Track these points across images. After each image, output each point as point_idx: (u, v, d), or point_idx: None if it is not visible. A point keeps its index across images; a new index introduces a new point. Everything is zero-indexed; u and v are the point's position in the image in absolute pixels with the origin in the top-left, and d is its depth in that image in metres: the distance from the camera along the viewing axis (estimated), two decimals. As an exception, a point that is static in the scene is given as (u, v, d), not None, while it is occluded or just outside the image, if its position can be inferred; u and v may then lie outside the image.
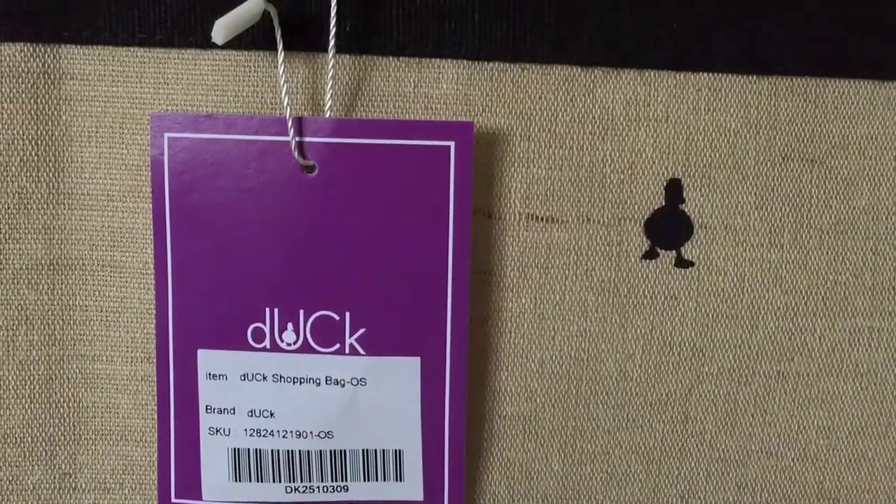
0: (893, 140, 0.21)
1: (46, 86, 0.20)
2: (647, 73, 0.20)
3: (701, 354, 0.21)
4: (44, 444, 0.21)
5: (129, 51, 0.20)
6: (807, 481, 0.22)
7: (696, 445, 0.22)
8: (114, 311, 0.21)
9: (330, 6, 0.19)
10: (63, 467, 0.21)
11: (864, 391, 0.22)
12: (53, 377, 0.21)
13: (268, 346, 0.20)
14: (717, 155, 0.20)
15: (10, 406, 0.21)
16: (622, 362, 0.21)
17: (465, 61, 0.20)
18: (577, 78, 0.20)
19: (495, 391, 0.21)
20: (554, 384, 0.21)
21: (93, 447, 0.21)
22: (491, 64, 0.20)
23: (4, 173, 0.20)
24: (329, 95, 0.19)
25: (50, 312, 0.21)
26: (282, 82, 0.19)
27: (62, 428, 0.21)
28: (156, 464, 0.21)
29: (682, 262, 0.21)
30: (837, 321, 0.21)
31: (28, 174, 0.20)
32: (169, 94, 0.20)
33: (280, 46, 0.19)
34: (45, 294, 0.20)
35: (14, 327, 0.20)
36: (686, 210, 0.21)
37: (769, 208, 0.21)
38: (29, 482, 0.21)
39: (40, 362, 0.21)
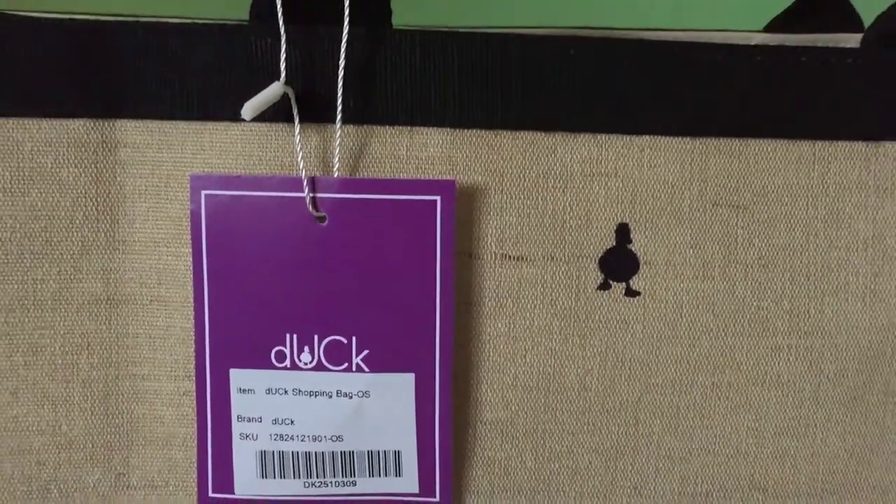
0: (804, 189, 0.24)
1: (104, 153, 0.23)
2: (598, 137, 0.24)
3: (648, 369, 0.25)
4: (102, 449, 0.25)
5: (172, 124, 0.23)
6: (740, 475, 0.26)
7: (646, 445, 0.25)
8: (160, 337, 0.24)
9: (337, 87, 0.23)
10: (118, 468, 0.25)
11: (785, 398, 0.25)
12: (110, 393, 0.24)
13: (288, 366, 0.24)
14: (658, 203, 0.24)
15: (75, 418, 0.24)
16: (582, 376, 0.25)
17: (448, 129, 0.23)
18: (541, 141, 0.24)
19: (477, 401, 0.25)
20: (526, 395, 0.25)
21: (143, 451, 0.25)
22: (469, 131, 0.24)
23: (70, 225, 0.24)
24: (337, 159, 0.23)
25: (107, 339, 0.24)
26: (298, 149, 0.23)
27: (117, 436, 0.25)
28: (195, 465, 0.25)
29: (630, 292, 0.24)
30: (761, 340, 0.25)
31: (90, 225, 0.24)
32: (205, 158, 0.23)
33: (296, 120, 0.23)
34: (103, 324, 0.24)
35: (77, 352, 0.24)
36: (633, 249, 0.24)
37: (702, 246, 0.24)
38: (90, 481, 0.25)
39: (99, 381, 0.24)
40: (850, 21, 0.31)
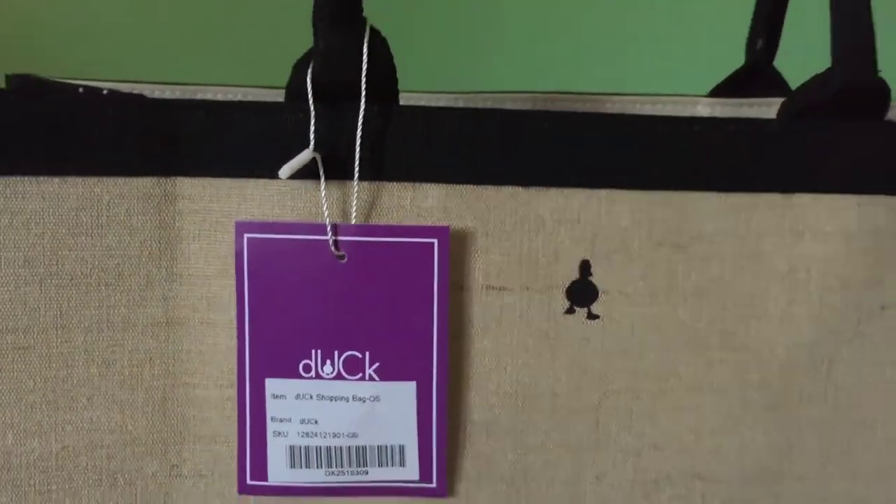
0: (732, 232, 0.29)
1: (166, 204, 0.29)
2: (565, 190, 0.29)
3: (606, 378, 0.30)
4: (160, 445, 0.30)
5: (222, 181, 0.29)
6: (683, 466, 0.31)
7: (605, 441, 0.30)
8: (208, 353, 0.29)
9: (355, 152, 0.28)
10: (172, 461, 0.30)
11: (718, 402, 0.30)
12: (167, 399, 0.30)
13: (313, 376, 0.29)
14: (613, 243, 0.29)
15: (138, 419, 0.29)
16: (552, 384, 0.30)
17: (443, 185, 0.29)
18: (519, 194, 0.29)
19: (467, 405, 0.30)
20: (507, 400, 0.30)
21: (193, 447, 0.30)
22: (461, 186, 0.29)
23: (137, 262, 0.29)
24: (354, 209, 0.29)
25: (165, 355, 0.29)
26: (323, 201, 0.28)
27: (172, 434, 0.30)
28: (236, 457, 0.30)
29: (591, 316, 0.30)
30: (699, 355, 0.30)
31: (153, 262, 0.29)
32: (247, 208, 0.29)
33: (322, 178, 0.28)
34: (163, 343, 0.29)
35: (141, 365, 0.29)
36: (593, 281, 0.30)
37: (649, 279, 0.30)
38: (149, 471, 0.30)
39: (158, 389, 0.29)
40: (779, 88, 0.37)
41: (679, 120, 0.29)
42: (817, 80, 0.30)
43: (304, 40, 0.30)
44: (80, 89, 0.31)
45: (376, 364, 0.29)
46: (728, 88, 0.39)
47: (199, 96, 0.35)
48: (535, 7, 0.80)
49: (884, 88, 0.29)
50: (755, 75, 0.38)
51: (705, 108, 0.37)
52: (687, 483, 0.31)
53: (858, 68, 0.29)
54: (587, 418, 0.30)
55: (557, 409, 0.30)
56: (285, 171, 0.27)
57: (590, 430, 0.30)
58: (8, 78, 0.34)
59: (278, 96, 0.30)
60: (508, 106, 0.38)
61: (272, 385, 0.29)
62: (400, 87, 0.30)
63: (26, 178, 0.28)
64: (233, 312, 0.29)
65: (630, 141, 0.29)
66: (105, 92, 0.30)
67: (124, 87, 0.35)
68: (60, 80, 0.33)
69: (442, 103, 0.38)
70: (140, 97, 0.29)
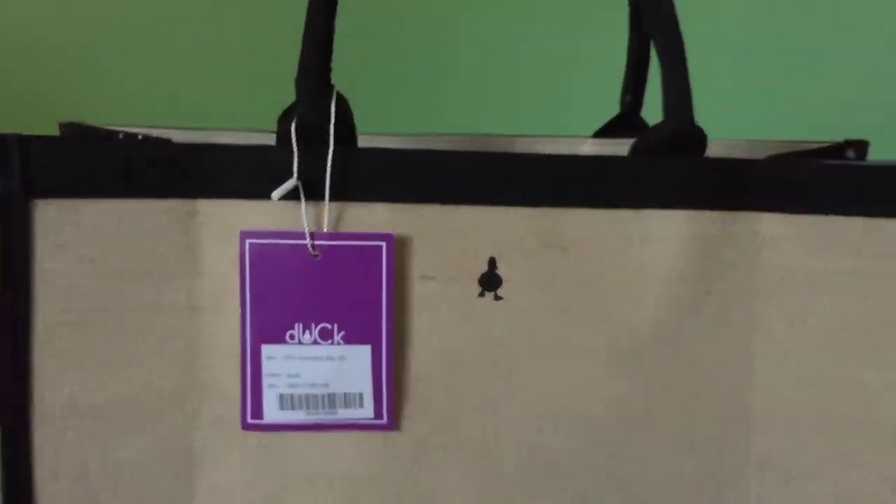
0: (601, 238, 0.40)
1: (189, 218, 0.39)
2: (479, 207, 0.40)
3: (506, 341, 0.40)
4: (183, 399, 0.40)
5: (230, 201, 0.39)
6: (568, 410, 0.41)
7: (509, 389, 0.41)
8: (220, 330, 0.40)
9: (325, 181, 0.39)
10: (194, 411, 0.40)
11: (592, 362, 0.41)
12: (189, 365, 0.39)
13: (297, 342, 0.39)
14: (513, 246, 0.41)
15: (167, 379, 0.39)
16: (468, 348, 0.40)
17: (390, 204, 0.40)
18: (443, 210, 0.40)
19: (408, 363, 0.40)
20: (436, 358, 0.40)
21: (210, 399, 0.40)
22: (403, 205, 0.40)
23: (167, 260, 0.39)
24: (325, 221, 0.39)
25: (188, 331, 0.39)
26: (303, 215, 0.39)
27: (193, 391, 0.40)
28: (240, 403, 0.40)
29: (497, 298, 0.41)
30: (576, 327, 0.41)
31: (179, 261, 0.39)
32: (249, 221, 0.39)
33: (303, 199, 0.39)
34: (185, 322, 0.39)
35: (169, 338, 0.39)
36: (498, 273, 0.41)
37: (540, 272, 0.40)
38: (177, 421, 0.40)
39: (181, 356, 0.39)
40: (642, 131, 0.49)
41: (561, 157, 0.41)
42: (657, 128, 0.41)
43: (286, 89, 0.41)
44: (121, 135, 0.42)
45: (342, 333, 0.39)
46: (607, 132, 0.50)
47: (212, 139, 0.46)
48: (478, 63, 0.95)
49: (701, 134, 0.40)
50: (626, 122, 0.50)
51: (590, 147, 0.49)
52: (572, 423, 0.42)
53: (682, 120, 0.40)
54: (496, 372, 0.41)
55: (473, 365, 0.41)
56: (276, 194, 0.38)
57: (497, 381, 0.41)
58: (60, 125, 0.45)
59: (270, 138, 0.41)
60: (443, 145, 0.49)
61: (266, 350, 0.39)
62: (361, 129, 0.41)
63: (86, 200, 0.38)
64: (238, 298, 0.39)
65: (527, 173, 0.40)
66: (140, 137, 0.41)
67: (152, 131, 0.45)
68: (101, 127, 0.44)
69: (392, 144, 0.49)
70: (167, 141, 0.40)
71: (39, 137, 0.38)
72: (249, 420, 0.40)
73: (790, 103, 1.07)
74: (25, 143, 0.37)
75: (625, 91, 0.51)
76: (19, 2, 1.09)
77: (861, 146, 0.47)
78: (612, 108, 0.53)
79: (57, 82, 1.19)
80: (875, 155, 0.51)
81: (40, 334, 0.39)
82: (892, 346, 0.40)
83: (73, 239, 0.38)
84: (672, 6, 0.40)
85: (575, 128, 0.54)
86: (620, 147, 0.46)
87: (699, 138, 0.41)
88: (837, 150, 0.47)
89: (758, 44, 1.09)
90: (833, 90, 1.18)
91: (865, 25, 1.09)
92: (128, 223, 0.39)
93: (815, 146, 0.48)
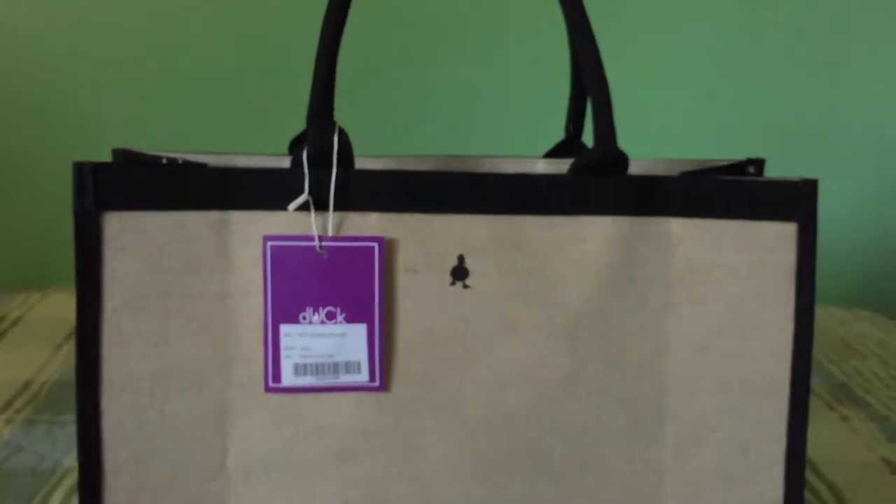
0: (546, 239, 0.52)
1: (223, 225, 0.50)
2: (450, 216, 0.51)
3: (472, 320, 0.51)
4: (219, 366, 0.50)
5: (255, 212, 0.50)
6: (521, 372, 0.52)
7: (473, 357, 0.52)
8: (248, 312, 0.50)
9: (330, 195, 0.50)
10: (227, 377, 0.51)
11: (540, 335, 0.52)
12: (223, 341, 0.50)
13: (308, 322, 0.50)
14: (477, 245, 0.51)
15: (207, 350, 0.50)
16: (443, 323, 0.51)
17: (380, 213, 0.50)
18: (422, 218, 0.51)
19: (395, 337, 0.51)
20: (418, 333, 0.51)
21: (240, 367, 0.51)
22: (390, 213, 0.51)
23: (205, 258, 0.50)
24: (330, 226, 0.50)
25: (221, 313, 0.50)
26: (312, 222, 0.50)
27: (227, 359, 0.51)
28: (263, 370, 0.51)
29: (465, 286, 0.52)
30: (527, 308, 0.52)
31: (216, 259, 0.50)
32: (270, 227, 0.50)
33: (312, 210, 0.50)
34: (219, 306, 0.50)
35: (209, 319, 0.50)
36: (466, 266, 0.51)
37: (499, 266, 0.51)
38: (214, 383, 0.51)
39: (219, 333, 0.50)
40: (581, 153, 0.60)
41: (516, 176, 0.52)
42: (590, 151, 0.52)
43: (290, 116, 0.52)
44: (164, 160, 0.53)
45: (343, 314, 0.50)
46: (554, 153, 0.61)
47: (233, 162, 0.56)
48: (453, 93, 1.08)
49: (623, 157, 0.52)
50: (569, 145, 0.61)
51: (542, 166, 0.60)
52: (523, 384, 0.52)
53: (609, 146, 0.51)
54: (464, 344, 0.52)
55: (445, 339, 0.52)
56: (291, 206, 0.49)
57: (465, 351, 0.52)
58: (113, 151, 0.55)
59: (280, 160, 0.51)
60: (422, 165, 0.60)
61: (284, 328, 0.50)
62: (357, 151, 0.52)
63: (142, 213, 0.49)
64: (261, 288, 0.50)
65: (487, 187, 0.51)
66: (181, 161, 0.52)
67: (189, 156, 0.56)
68: (145, 152, 0.55)
69: (381, 165, 0.60)
70: (203, 165, 0.51)
71: (107, 164, 0.49)
72: (271, 384, 0.51)
73: (718, 128, 1.20)
74: (97, 169, 0.48)
75: (568, 120, 0.62)
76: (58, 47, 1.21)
77: (759, 164, 0.59)
78: (557, 135, 0.65)
79: (107, 110, 1.31)
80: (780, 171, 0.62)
81: (108, 319, 0.49)
82: (769, 320, 0.52)
83: (133, 244, 0.49)
84: (598, 58, 0.51)
85: (531, 149, 0.65)
86: (564, 166, 0.57)
87: (622, 160, 0.52)
88: (740, 166, 0.58)
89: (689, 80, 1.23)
90: (752, 117, 1.33)
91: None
92: (175, 230, 0.49)
93: (723, 163, 0.59)
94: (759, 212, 0.52)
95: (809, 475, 0.85)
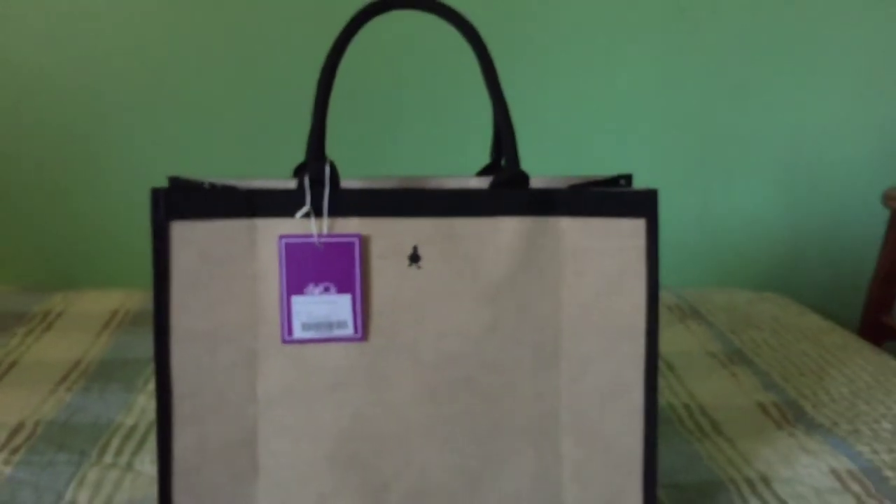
0: (475, 234, 0.73)
1: (252, 229, 0.71)
2: (406, 219, 0.73)
3: (423, 291, 0.73)
4: (250, 327, 0.72)
5: (273, 218, 0.71)
6: (459, 342, 0.74)
7: (423, 319, 0.73)
8: (270, 289, 0.72)
9: (324, 206, 0.71)
10: (257, 331, 0.72)
11: (474, 309, 0.74)
12: (253, 306, 0.72)
13: (311, 294, 0.72)
14: (426, 238, 0.73)
15: (244, 325, 0.72)
16: (401, 294, 0.73)
17: (358, 218, 0.72)
18: (390, 221, 0.72)
19: (370, 304, 0.73)
20: (385, 302, 0.73)
21: (265, 325, 0.72)
22: (366, 218, 0.72)
23: (236, 257, 0.71)
24: (324, 227, 0.72)
25: (253, 291, 0.72)
26: (312, 225, 0.71)
27: (254, 322, 0.72)
28: (280, 328, 0.72)
29: (418, 267, 0.73)
30: (464, 285, 0.73)
31: (246, 254, 0.71)
32: (282, 229, 0.71)
33: (312, 216, 0.71)
34: (252, 285, 0.72)
35: (244, 293, 0.72)
36: (419, 253, 0.73)
37: (442, 252, 0.73)
38: (244, 343, 0.72)
39: (249, 303, 0.72)
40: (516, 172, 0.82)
41: (454, 190, 0.74)
42: (502, 171, 0.75)
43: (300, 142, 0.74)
44: (206, 184, 0.75)
45: (335, 288, 0.72)
46: (483, 172, 0.84)
47: (256, 184, 0.78)
48: (421, 117, 1.33)
49: (524, 175, 0.74)
50: (493, 167, 0.83)
51: (474, 182, 0.82)
52: (459, 334, 0.74)
53: (515, 167, 0.74)
54: (418, 308, 0.73)
55: (405, 304, 0.73)
56: (298, 215, 0.71)
57: (419, 313, 0.73)
58: (169, 178, 0.77)
59: (287, 182, 0.73)
60: (388, 184, 0.82)
61: (294, 298, 0.72)
62: (343, 174, 0.73)
63: (197, 221, 0.71)
64: (278, 271, 0.72)
65: (433, 198, 0.73)
66: (219, 185, 0.74)
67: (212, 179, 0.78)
68: (191, 178, 0.77)
69: (358, 184, 0.82)
70: (234, 187, 0.73)
71: (172, 188, 0.71)
72: (286, 337, 0.72)
73: (650, 139, 1.44)
74: (166, 192, 0.70)
75: (493, 149, 0.84)
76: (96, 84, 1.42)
77: (629, 178, 0.81)
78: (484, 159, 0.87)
79: (133, 142, 1.53)
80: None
81: (174, 292, 0.71)
82: (629, 286, 0.74)
83: (191, 242, 0.70)
84: (505, 107, 0.74)
85: (469, 167, 0.87)
86: (487, 182, 0.79)
87: (524, 178, 0.74)
88: (615, 180, 0.81)
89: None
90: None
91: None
92: (218, 232, 0.71)
93: (603, 178, 0.82)
94: (620, 212, 0.74)
95: (698, 415, 1.08)
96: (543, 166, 1.51)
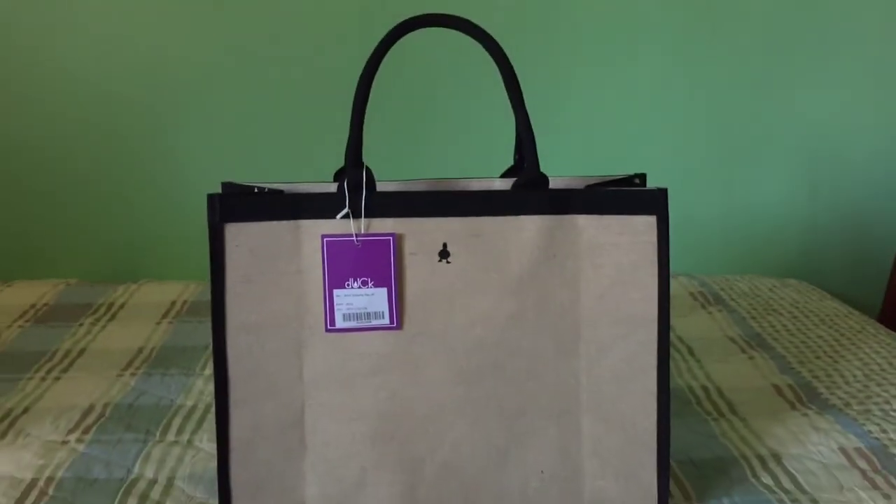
0: (499, 231, 0.78)
1: (296, 229, 0.77)
2: (436, 219, 0.78)
3: (452, 284, 0.78)
4: (297, 317, 0.78)
5: (316, 220, 0.77)
6: (483, 322, 0.80)
7: (453, 308, 0.79)
8: (315, 283, 0.78)
9: (361, 209, 0.77)
10: (302, 322, 0.78)
11: (494, 296, 0.79)
12: (299, 301, 0.78)
13: (351, 287, 0.77)
14: (454, 236, 0.78)
15: (289, 308, 0.78)
16: (432, 287, 0.78)
17: (392, 218, 0.78)
18: (420, 221, 0.77)
19: (404, 296, 0.78)
20: (418, 294, 0.78)
21: (309, 316, 0.78)
22: (399, 219, 0.78)
23: (283, 253, 0.77)
24: (362, 227, 0.77)
25: (299, 285, 0.78)
26: (352, 225, 0.77)
27: (301, 313, 0.78)
28: (324, 319, 0.78)
29: (448, 262, 0.79)
30: (487, 276, 0.79)
31: (292, 251, 0.77)
32: (324, 229, 0.77)
33: (352, 218, 0.77)
34: (297, 280, 0.78)
35: (292, 286, 0.78)
36: (448, 250, 0.78)
37: (468, 248, 0.78)
38: (290, 327, 0.78)
39: (295, 297, 0.78)
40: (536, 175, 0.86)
41: (480, 192, 0.79)
42: (522, 174, 0.79)
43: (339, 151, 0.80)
44: (255, 189, 0.81)
45: (372, 282, 0.78)
46: (506, 174, 0.89)
47: (300, 188, 0.83)
48: (449, 121, 1.38)
49: (545, 178, 0.79)
50: (516, 169, 0.88)
51: (498, 184, 0.87)
52: (486, 322, 0.79)
53: (535, 171, 0.78)
54: (448, 299, 0.79)
55: (436, 296, 0.79)
56: (338, 216, 0.76)
57: (449, 303, 0.79)
58: (222, 184, 0.83)
59: (328, 186, 0.79)
60: (419, 186, 0.87)
61: (336, 292, 0.78)
62: (378, 176, 0.79)
63: (248, 223, 0.77)
64: (321, 266, 0.78)
65: (461, 199, 0.78)
66: (266, 189, 0.80)
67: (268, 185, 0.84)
68: (243, 183, 0.83)
69: (393, 187, 0.87)
70: (281, 191, 0.79)
71: (226, 194, 0.77)
72: (328, 327, 0.78)
73: (675, 136, 1.47)
74: (221, 198, 0.76)
75: (516, 151, 0.89)
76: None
77: (643, 177, 0.85)
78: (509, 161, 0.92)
79: (185, 145, 1.61)
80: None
81: (228, 287, 0.77)
82: (642, 277, 0.78)
83: (242, 242, 0.77)
84: (526, 114, 0.78)
85: (496, 170, 0.92)
86: (510, 184, 0.84)
87: (544, 180, 0.79)
88: (629, 180, 0.85)
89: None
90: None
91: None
92: (267, 232, 0.77)
93: (619, 177, 0.86)
94: (634, 209, 0.79)
95: (715, 396, 1.12)
96: (567, 165, 1.56)
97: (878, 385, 1.14)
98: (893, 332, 1.35)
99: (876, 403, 1.08)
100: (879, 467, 0.92)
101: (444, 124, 1.62)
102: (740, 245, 1.79)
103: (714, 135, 1.74)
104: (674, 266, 1.71)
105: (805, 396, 1.11)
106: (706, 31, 1.68)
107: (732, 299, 1.49)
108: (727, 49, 1.69)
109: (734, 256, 1.79)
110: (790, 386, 1.14)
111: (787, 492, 0.88)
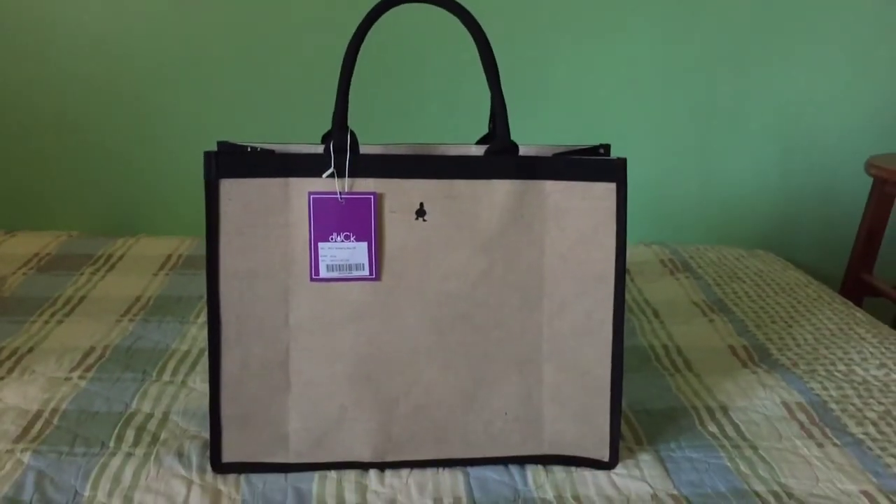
0: (471, 194, 0.85)
1: (285, 186, 0.83)
2: (414, 180, 0.84)
3: (428, 240, 0.84)
4: (286, 268, 0.84)
5: (304, 178, 0.83)
6: (455, 281, 0.86)
7: (426, 265, 0.85)
8: (301, 237, 0.84)
9: (346, 169, 0.83)
10: (289, 270, 0.84)
11: (469, 255, 0.86)
12: (287, 253, 0.84)
13: (334, 241, 0.84)
14: (430, 196, 0.84)
15: (277, 258, 0.84)
16: (409, 242, 0.84)
17: (373, 178, 0.84)
18: (399, 182, 0.84)
19: (383, 250, 0.84)
20: (396, 249, 0.84)
21: (296, 266, 0.84)
22: (380, 178, 0.84)
23: (277, 206, 0.83)
24: (346, 185, 0.83)
25: (288, 238, 0.84)
26: (335, 183, 0.83)
27: (289, 265, 0.84)
28: (309, 269, 0.84)
29: (424, 220, 0.85)
30: (461, 233, 0.85)
31: (282, 206, 0.83)
32: (311, 187, 0.83)
33: (335, 176, 0.83)
34: (285, 233, 0.84)
35: (281, 239, 0.84)
36: (424, 209, 0.85)
37: (445, 208, 0.84)
38: (280, 275, 0.85)
39: (282, 250, 0.84)
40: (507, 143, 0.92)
41: (455, 157, 0.85)
42: (495, 142, 0.85)
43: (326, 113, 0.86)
44: (249, 148, 0.87)
45: (354, 236, 0.84)
46: (481, 141, 0.95)
47: (291, 149, 0.89)
48: (434, 93, 1.44)
49: (514, 145, 0.85)
50: (490, 136, 0.94)
51: (474, 150, 0.93)
52: (458, 277, 0.86)
53: (506, 139, 0.84)
54: (423, 254, 0.85)
55: (412, 251, 0.85)
56: (324, 175, 0.82)
57: (424, 257, 0.85)
58: (218, 142, 0.89)
59: (316, 147, 0.85)
60: (400, 150, 0.93)
61: (321, 245, 0.84)
62: (361, 140, 0.85)
63: (241, 179, 0.83)
64: (307, 221, 0.84)
65: (438, 162, 0.84)
66: (259, 149, 0.86)
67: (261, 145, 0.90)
68: (238, 143, 0.89)
69: (375, 150, 0.93)
70: (272, 151, 0.85)
71: (221, 151, 0.83)
72: (313, 276, 0.85)
73: (657, 111, 1.53)
74: (217, 155, 0.82)
75: (490, 120, 0.95)
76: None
77: (607, 147, 0.91)
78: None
79: (183, 108, 1.66)
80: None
81: (222, 238, 0.83)
82: (601, 240, 0.85)
83: (236, 196, 0.83)
84: (499, 86, 0.84)
85: (471, 136, 0.98)
86: (484, 150, 0.90)
87: (514, 147, 0.85)
88: (595, 149, 0.91)
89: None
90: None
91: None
92: (259, 189, 0.83)
93: (585, 147, 0.92)
94: (595, 176, 0.85)
95: (674, 354, 1.19)
96: (548, 134, 1.61)
97: (827, 348, 1.21)
98: (847, 301, 1.42)
99: (822, 364, 1.16)
100: (817, 420, 1.00)
101: (429, 94, 1.68)
102: (714, 217, 1.86)
103: (692, 110, 1.79)
104: (649, 235, 1.79)
105: (757, 356, 1.18)
106: (687, 8, 1.73)
107: (700, 267, 1.56)
108: (707, 27, 1.74)
109: (708, 227, 1.86)
110: (744, 347, 1.21)
111: (729, 439, 0.95)
